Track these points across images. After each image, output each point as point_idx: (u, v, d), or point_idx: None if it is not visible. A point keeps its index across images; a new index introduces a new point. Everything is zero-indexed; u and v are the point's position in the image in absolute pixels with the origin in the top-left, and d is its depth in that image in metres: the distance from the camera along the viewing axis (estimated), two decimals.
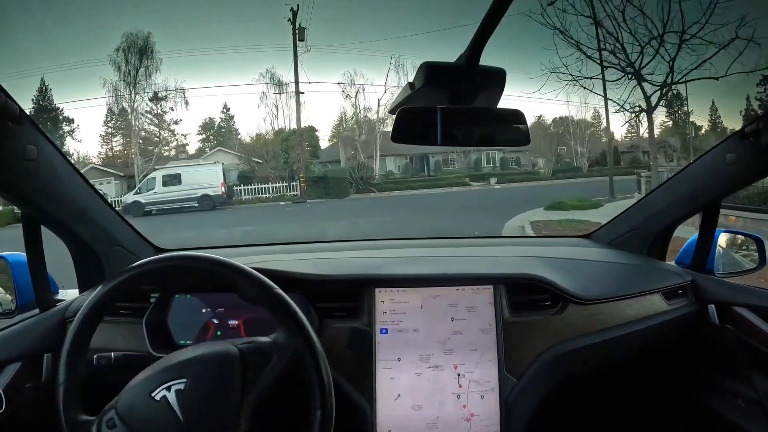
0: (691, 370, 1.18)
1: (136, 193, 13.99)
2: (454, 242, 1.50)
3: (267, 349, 0.72)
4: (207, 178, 13.84)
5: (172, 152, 18.78)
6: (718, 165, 1.03)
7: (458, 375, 0.96)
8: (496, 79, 0.65)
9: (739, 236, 1.24)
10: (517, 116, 0.69)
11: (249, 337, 0.74)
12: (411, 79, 0.65)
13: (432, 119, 0.66)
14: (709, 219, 1.14)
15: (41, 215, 0.96)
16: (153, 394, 0.67)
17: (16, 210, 0.97)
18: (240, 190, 15.36)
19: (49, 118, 16.60)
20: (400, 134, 0.68)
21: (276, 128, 17.14)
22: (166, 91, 16.31)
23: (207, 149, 18.94)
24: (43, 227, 1.00)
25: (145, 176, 14.73)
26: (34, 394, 0.93)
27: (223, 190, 14.03)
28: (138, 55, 15.33)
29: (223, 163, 15.07)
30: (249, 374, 0.70)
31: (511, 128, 0.70)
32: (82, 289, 1.12)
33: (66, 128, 17.60)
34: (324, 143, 18.35)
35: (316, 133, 17.32)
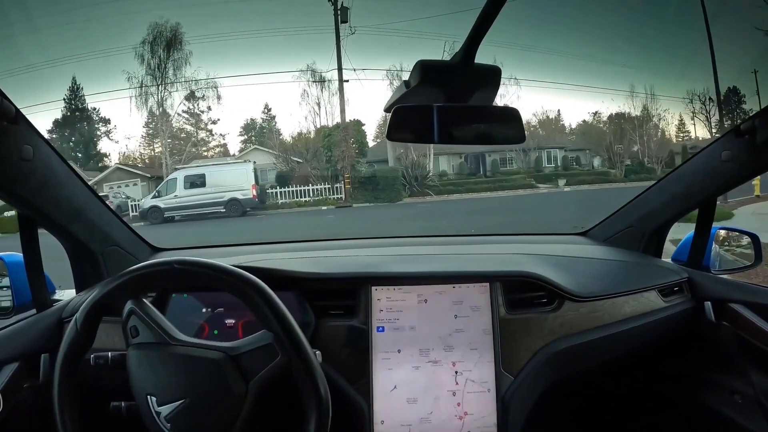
0: (687, 367, 1.19)
1: (155, 197, 12.20)
2: (450, 240, 1.50)
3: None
4: (236, 179, 11.96)
5: (210, 153, 17.67)
6: (713, 162, 1.03)
7: (456, 373, 0.96)
8: (491, 77, 0.65)
9: (735, 233, 1.25)
10: (512, 114, 0.70)
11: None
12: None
13: (428, 117, 0.66)
14: (705, 216, 1.14)
15: (38, 215, 0.96)
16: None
17: None
18: (276, 192, 13.45)
19: (82, 117, 15.91)
20: (396, 132, 0.68)
21: (318, 126, 15.33)
22: (196, 81, 14.80)
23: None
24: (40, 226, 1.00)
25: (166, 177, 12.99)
26: (31, 394, 0.93)
27: (255, 193, 12.12)
28: (165, 48, 13.99)
29: (255, 162, 13.26)
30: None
31: (506, 126, 0.70)
32: (79, 289, 1.12)
33: (101, 127, 16.95)
34: (369, 143, 16.33)
35: (363, 127, 15.30)
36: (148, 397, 0.71)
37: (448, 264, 1.12)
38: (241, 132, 19.95)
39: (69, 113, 16.31)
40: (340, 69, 14.22)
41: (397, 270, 1.05)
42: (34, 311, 1.01)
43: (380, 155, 15.01)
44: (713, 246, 1.18)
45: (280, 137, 16.74)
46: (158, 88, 14.33)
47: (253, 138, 19.29)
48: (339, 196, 13.32)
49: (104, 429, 0.85)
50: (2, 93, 0.74)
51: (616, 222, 1.34)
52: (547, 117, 19.85)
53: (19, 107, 0.78)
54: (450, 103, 0.67)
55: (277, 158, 15.11)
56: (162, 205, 11.78)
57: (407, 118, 0.68)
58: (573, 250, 1.27)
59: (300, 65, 16.18)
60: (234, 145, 19.10)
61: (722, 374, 1.09)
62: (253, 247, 1.37)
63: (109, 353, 0.81)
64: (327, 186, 13.47)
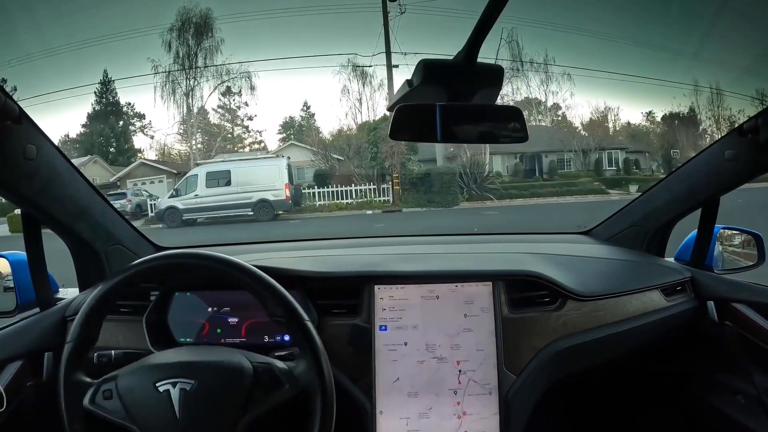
0: (690, 367, 1.19)
1: (173, 196, 10.72)
2: (453, 239, 1.50)
3: (282, 376, 0.74)
4: (267, 176, 10.33)
5: (246, 150, 16.67)
6: (716, 161, 1.03)
7: (459, 372, 0.96)
8: (494, 77, 0.65)
9: (738, 233, 1.24)
10: (515, 113, 0.70)
11: (266, 357, 0.75)
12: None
13: (431, 116, 0.66)
14: (708, 215, 1.14)
15: (41, 214, 0.97)
16: (157, 385, 0.70)
17: None
18: (314, 193, 11.89)
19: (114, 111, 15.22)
20: (398, 131, 0.68)
21: (360, 122, 13.90)
22: (226, 64, 13.59)
23: None
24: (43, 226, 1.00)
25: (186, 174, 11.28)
26: (34, 392, 0.93)
27: (288, 193, 10.52)
28: (195, 35, 12.83)
29: (289, 158, 11.81)
30: (256, 394, 0.72)
31: (509, 125, 0.70)
32: (83, 287, 1.12)
33: (135, 122, 16.45)
34: None
35: None
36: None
37: (451, 263, 1.12)
38: (279, 130, 19.64)
39: (100, 107, 16.03)
40: (388, 53, 12.69)
41: (399, 269, 1.05)
42: (37, 310, 1.02)
43: (428, 154, 13.28)
44: (716, 245, 1.18)
45: (320, 135, 15.37)
46: (187, 77, 13.37)
47: (291, 136, 18.37)
48: (386, 198, 11.80)
49: (107, 427, 0.85)
50: (6, 92, 0.74)
51: (619, 221, 1.33)
52: (607, 114, 18.29)
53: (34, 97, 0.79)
54: (453, 102, 0.67)
55: (315, 155, 13.57)
56: (180, 206, 10.31)
57: (410, 117, 0.68)
58: (576, 249, 1.27)
59: (341, 51, 15.26)
60: (272, 143, 18.52)
61: (725, 374, 1.09)
62: (256, 245, 1.38)
63: (113, 351, 0.81)
64: (372, 186, 11.93)
